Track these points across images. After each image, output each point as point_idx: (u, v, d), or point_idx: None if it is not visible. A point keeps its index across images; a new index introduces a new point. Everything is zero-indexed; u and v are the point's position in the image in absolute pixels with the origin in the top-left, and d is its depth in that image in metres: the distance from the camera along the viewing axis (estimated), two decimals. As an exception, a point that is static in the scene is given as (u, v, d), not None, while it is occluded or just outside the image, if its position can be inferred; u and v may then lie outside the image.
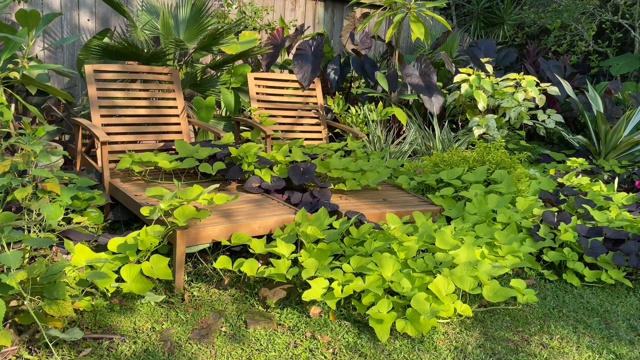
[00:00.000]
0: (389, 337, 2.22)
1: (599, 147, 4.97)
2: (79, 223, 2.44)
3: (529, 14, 6.61)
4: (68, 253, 2.53)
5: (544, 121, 5.01)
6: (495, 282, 2.45)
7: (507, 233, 3.00)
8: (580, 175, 4.32)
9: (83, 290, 2.20)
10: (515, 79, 4.91)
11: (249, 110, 4.28)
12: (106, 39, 4.04)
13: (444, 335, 2.28)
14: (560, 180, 4.03)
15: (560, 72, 5.67)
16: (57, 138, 4.30)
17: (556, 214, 3.20)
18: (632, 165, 4.74)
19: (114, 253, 2.43)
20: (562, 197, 3.52)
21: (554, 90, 4.95)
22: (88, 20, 4.40)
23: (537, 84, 5.17)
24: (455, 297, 2.35)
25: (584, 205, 3.33)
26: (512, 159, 3.79)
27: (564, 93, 5.36)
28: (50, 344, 1.84)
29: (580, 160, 4.45)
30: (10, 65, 3.37)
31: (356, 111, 4.53)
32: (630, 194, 3.74)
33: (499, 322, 2.42)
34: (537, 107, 5.44)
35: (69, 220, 2.72)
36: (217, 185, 2.72)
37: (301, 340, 2.16)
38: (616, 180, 4.17)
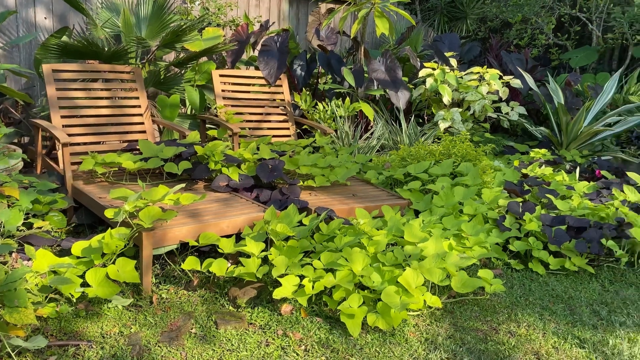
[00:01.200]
0: (360, 331, 2.23)
1: (561, 138, 5.10)
2: (41, 228, 2.37)
3: (491, 8, 6.72)
4: (29, 259, 2.45)
5: (507, 113, 5.11)
6: (464, 273, 2.49)
7: (473, 224, 3.05)
8: (544, 165, 4.42)
9: (47, 297, 2.14)
10: (479, 72, 4.99)
11: (215, 108, 4.23)
12: (65, 38, 3.93)
13: (414, 327, 2.30)
14: (524, 171, 4.12)
15: (522, 65, 5.79)
16: (15, 140, 4.16)
17: (521, 204, 3.27)
18: (592, 155, 4.88)
19: (78, 257, 2.37)
20: (527, 187, 3.60)
21: (516, 83, 5.06)
22: (45, 18, 4.27)
23: (500, 77, 5.26)
24: (424, 289, 2.37)
25: (547, 195, 3.42)
26: (477, 152, 3.85)
27: (527, 85, 5.47)
28: (12, 354, 1.78)
29: (543, 151, 4.56)
30: (-37, 66, 3.24)
31: (324, 107, 4.53)
32: (591, 183, 3.85)
33: (468, 313, 2.45)
34: (500, 100, 5.54)
35: (29, 225, 2.64)
36: (183, 185, 2.68)
37: (273, 339, 2.15)
38: (577, 169, 4.28)
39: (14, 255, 2.29)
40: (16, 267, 2.13)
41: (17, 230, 2.36)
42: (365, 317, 2.25)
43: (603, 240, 2.95)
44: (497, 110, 5.40)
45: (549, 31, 6.56)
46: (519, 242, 3.02)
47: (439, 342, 2.20)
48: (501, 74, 5.17)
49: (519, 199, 3.41)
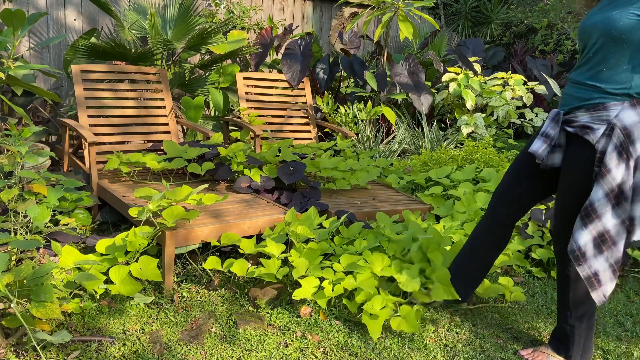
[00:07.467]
0: (378, 336, 2.22)
1: (586, 145, 5.01)
2: (67, 224, 2.42)
3: (516, 14, 6.66)
4: (56, 255, 2.51)
5: (531, 120, 5.05)
6: (485, 279, 2.47)
7: (495, 231, 3.01)
8: (568, 173, 4.35)
9: (71, 293, 2.18)
10: (503, 77, 4.94)
11: (238, 110, 4.27)
12: (93, 39, 4.01)
13: (433, 333, 2.29)
14: (548, 178, 4.06)
15: (547, 71, 5.72)
16: (43, 139, 4.26)
17: (544, 211, 3.22)
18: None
19: (102, 255, 2.41)
20: (550, 194, 3.55)
21: (541, 88, 4.99)
22: (75, 19, 4.36)
23: (525, 83, 5.20)
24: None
25: (571, 203, 3.36)
26: (501, 158, 3.81)
27: (551, 92, 5.40)
28: (37, 347, 1.82)
29: (568, 158, 4.49)
30: (-4, 66, 3.33)
31: (345, 110, 4.54)
32: (617, 192, 3.77)
33: (488, 320, 2.43)
34: (524, 106, 5.48)
35: (56, 222, 2.70)
36: (206, 186, 2.71)
37: (292, 340, 2.16)
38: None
39: (41, 251, 2.35)
40: (43, 263, 2.18)
41: (45, 226, 2.41)
42: (386, 320, 2.24)
43: (629, 250, 2.90)
44: (521, 116, 5.34)
45: (575, 37, 6.46)
46: (541, 249, 2.98)
47: (459, 349, 2.19)
48: (525, 80, 5.12)
49: (542, 207, 3.36)
